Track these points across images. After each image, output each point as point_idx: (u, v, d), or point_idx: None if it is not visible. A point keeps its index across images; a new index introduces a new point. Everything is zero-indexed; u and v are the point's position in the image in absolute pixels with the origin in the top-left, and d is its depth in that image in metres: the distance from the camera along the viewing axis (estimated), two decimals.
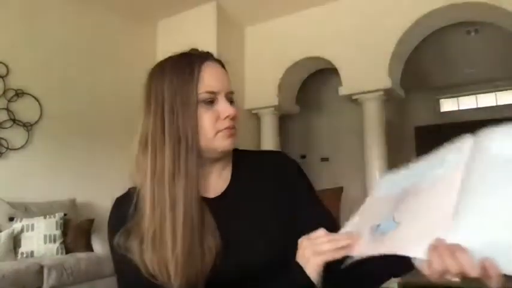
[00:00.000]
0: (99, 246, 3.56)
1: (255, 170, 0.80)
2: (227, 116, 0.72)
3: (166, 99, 0.72)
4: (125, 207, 0.73)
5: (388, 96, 4.31)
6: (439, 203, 0.53)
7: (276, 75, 4.76)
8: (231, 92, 0.76)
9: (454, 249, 0.50)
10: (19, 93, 3.87)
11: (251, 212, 0.75)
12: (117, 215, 0.76)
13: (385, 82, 4.12)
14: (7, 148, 3.77)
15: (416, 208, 0.56)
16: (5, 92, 3.79)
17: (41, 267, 3.01)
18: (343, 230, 0.64)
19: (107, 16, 4.63)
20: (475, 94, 6.43)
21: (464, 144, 0.56)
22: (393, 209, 0.59)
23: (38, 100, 3.99)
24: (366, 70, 4.20)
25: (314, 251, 0.61)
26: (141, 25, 4.97)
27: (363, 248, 0.60)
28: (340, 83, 4.42)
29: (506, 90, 6.19)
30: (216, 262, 0.67)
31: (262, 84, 4.77)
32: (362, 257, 0.58)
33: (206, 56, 0.75)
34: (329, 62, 4.51)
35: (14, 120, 3.83)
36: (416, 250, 0.53)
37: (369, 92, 4.21)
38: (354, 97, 4.35)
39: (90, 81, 4.41)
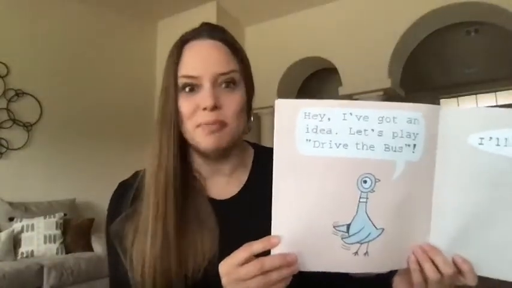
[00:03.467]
0: (99, 246, 3.56)
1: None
2: (204, 108, 0.61)
3: (162, 82, 0.67)
4: (126, 192, 0.69)
5: (388, 96, 4.31)
6: (416, 200, 0.48)
7: (276, 75, 4.76)
8: (224, 74, 0.62)
9: (428, 250, 0.48)
10: (19, 93, 3.87)
11: (256, 223, 0.62)
12: (116, 201, 0.70)
13: (385, 82, 4.12)
14: (7, 148, 3.77)
15: (394, 206, 0.48)
16: (5, 92, 3.79)
17: (41, 267, 3.02)
18: (276, 229, 0.48)
19: (107, 16, 4.64)
20: (475, 94, 6.43)
21: (423, 115, 0.47)
22: (358, 195, 0.47)
23: (38, 100, 3.99)
24: (366, 70, 4.20)
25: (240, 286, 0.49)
26: (142, 25, 4.97)
27: (330, 262, 0.49)
28: (340, 83, 4.42)
29: (506, 90, 6.19)
30: (208, 266, 0.61)
31: (262, 84, 4.74)
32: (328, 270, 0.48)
33: (197, 34, 0.66)
34: (329, 62, 4.51)
35: (14, 120, 3.83)
36: (400, 263, 0.50)
37: (369, 92, 4.21)
38: (354, 97, 4.35)
39: (90, 81, 4.41)
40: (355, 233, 0.47)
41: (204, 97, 0.61)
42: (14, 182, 3.75)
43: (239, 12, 4.68)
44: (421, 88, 6.31)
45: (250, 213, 0.66)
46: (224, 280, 0.50)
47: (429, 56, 5.42)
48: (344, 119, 0.47)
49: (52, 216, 3.49)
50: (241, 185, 0.71)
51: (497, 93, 6.28)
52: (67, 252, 3.39)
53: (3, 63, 3.80)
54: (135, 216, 0.64)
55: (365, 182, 0.47)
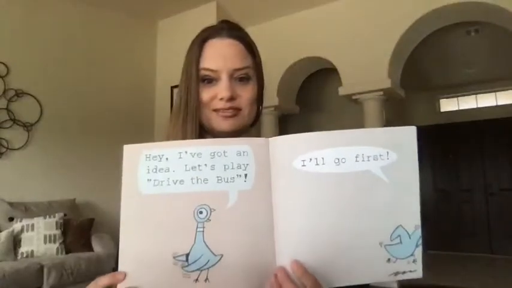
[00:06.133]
0: (99, 246, 3.56)
1: None
2: (221, 98, 0.69)
3: (182, 74, 0.74)
4: None
5: (388, 96, 4.31)
6: (256, 225, 0.52)
7: (276, 75, 4.76)
8: (240, 69, 0.71)
9: (278, 277, 0.51)
10: (19, 93, 3.87)
11: None
12: None
13: (385, 82, 4.12)
14: (7, 148, 3.77)
15: (232, 232, 0.51)
16: (5, 92, 3.79)
17: (41, 267, 3.02)
18: (122, 265, 0.51)
19: (107, 16, 4.64)
20: (475, 94, 6.42)
21: (251, 147, 0.53)
22: (195, 226, 0.50)
23: (38, 100, 4.00)
24: (366, 70, 4.20)
25: None
26: (142, 25, 4.98)
27: None
28: (340, 83, 4.42)
29: (506, 90, 6.19)
30: None
31: None
32: None
33: (217, 32, 0.73)
34: (329, 62, 4.51)
35: (14, 120, 3.83)
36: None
37: (368, 92, 4.21)
38: (354, 97, 4.36)
39: (90, 81, 4.41)
40: (194, 261, 0.50)
41: (222, 89, 0.69)
42: (14, 182, 3.75)
43: (239, 12, 4.68)
44: (421, 88, 6.31)
45: None
46: None
47: (429, 56, 5.42)
48: (180, 158, 0.52)
49: (52, 216, 3.49)
50: None
51: (497, 93, 6.27)
52: (67, 252, 3.39)
53: (3, 63, 3.80)
54: None
55: (201, 212, 0.51)
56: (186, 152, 0.52)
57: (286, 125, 5.74)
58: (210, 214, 0.51)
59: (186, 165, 0.51)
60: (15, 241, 3.27)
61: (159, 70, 5.08)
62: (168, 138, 0.71)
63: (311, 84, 5.54)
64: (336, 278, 0.53)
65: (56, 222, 3.46)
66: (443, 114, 6.61)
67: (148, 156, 0.52)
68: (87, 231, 3.66)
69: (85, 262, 3.25)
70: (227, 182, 0.52)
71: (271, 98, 4.73)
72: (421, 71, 5.80)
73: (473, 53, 5.49)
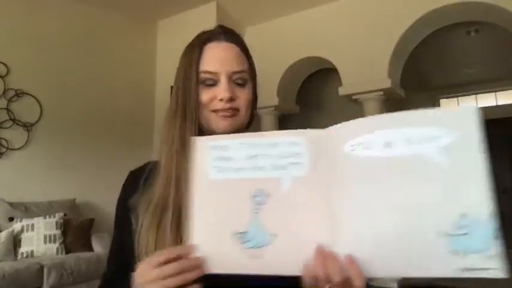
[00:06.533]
0: (99, 246, 3.56)
1: None
2: (221, 99, 0.72)
3: (178, 77, 0.76)
4: (137, 178, 0.76)
5: (388, 96, 4.31)
6: (309, 210, 0.55)
7: (276, 75, 4.76)
8: (238, 72, 0.74)
9: (325, 257, 0.52)
10: (19, 93, 3.87)
11: None
12: (128, 185, 0.77)
13: (385, 82, 4.12)
14: (7, 148, 3.77)
15: (286, 216, 0.55)
16: (5, 92, 3.79)
17: (41, 267, 3.02)
18: (192, 238, 0.57)
19: (108, 16, 4.64)
20: (475, 94, 6.42)
21: (304, 137, 0.57)
22: (251, 208, 0.56)
23: (38, 100, 4.00)
24: (366, 70, 4.20)
25: (148, 279, 0.55)
26: (142, 25, 4.98)
27: (231, 265, 0.56)
28: (340, 83, 4.42)
29: (506, 90, 6.19)
30: None
31: (262, 84, 4.71)
32: (229, 273, 0.55)
33: (214, 36, 0.75)
34: (329, 62, 4.51)
35: (14, 120, 3.83)
36: (295, 268, 0.54)
37: (369, 92, 4.21)
38: (354, 97, 4.35)
39: (90, 81, 4.41)
40: (250, 239, 0.56)
41: (221, 90, 0.72)
42: (14, 182, 3.75)
43: (239, 12, 4.68)
44: (421, 88, 6.31)
45: None
46: (138, 281, 0.57)
47: (429, 56, 5.42)
48: (240, 148, 0.60)
49: (52, 216, 3.49)
50: None
51: (497, 93, 6.27)
52: (67, 252, 3.39)
53: (3, 63, 3.80)
54: (149, 194, 0.70)
55: (257, 196, 0.57)
56: (245, 143, 0.59)
57: (286, 124, 5.74)
58: (266, 198, 0.56)
59: (245, 155, 0.59)
60: (15, 241, 3.27)
61: (159, 70, 5.08)
62: (166, 139, 0.72)
63: (311, 84, 5.54)
64: (391, 268, 0.50)
65: (56, 222, 3.46)
66: None
67: (214, 146, 0.60)
68: (87, 231, 3.66)
69: (85, 262, 3.25)
70: (281, 169, 0.57)
71: (271, 98, 4.73)
72: (421, 71, 5.80)
73: (473, 53, 5.49)
